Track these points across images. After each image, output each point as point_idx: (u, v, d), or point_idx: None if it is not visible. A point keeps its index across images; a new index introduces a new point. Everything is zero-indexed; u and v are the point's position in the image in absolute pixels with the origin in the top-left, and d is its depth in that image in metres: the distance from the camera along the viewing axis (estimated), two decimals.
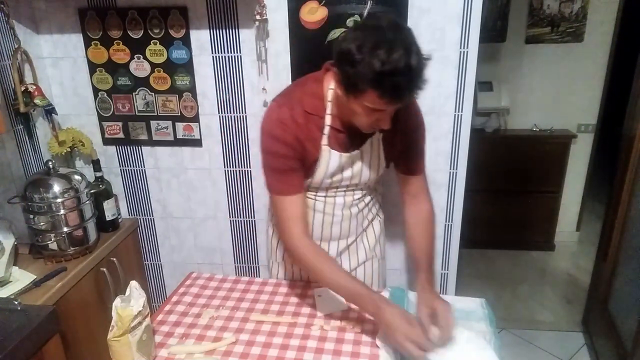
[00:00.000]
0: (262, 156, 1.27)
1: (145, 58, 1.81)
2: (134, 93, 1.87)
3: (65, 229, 1.65)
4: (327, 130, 1.24)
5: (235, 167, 1.94)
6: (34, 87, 1.72)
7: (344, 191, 1.38)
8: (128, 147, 1.97)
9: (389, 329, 1.10)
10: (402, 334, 1.07)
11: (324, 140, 1.25)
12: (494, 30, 3.14)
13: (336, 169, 1.29)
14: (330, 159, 1.26)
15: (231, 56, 1.77)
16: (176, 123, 1.90)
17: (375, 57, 0.97)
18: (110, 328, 1.08)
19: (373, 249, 1.55)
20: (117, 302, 1.09)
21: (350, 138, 1.27)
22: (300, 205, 1.26)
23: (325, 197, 1.38)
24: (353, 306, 1.34)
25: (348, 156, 1.27)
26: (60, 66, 1.87)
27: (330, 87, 1.21)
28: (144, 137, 1.93)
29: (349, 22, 1.65)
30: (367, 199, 1.46)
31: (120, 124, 1.93)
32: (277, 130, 1.21)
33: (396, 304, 1.16)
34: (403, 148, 1.35)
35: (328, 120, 1.24)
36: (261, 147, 1.26)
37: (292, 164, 1.23)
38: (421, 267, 1.30)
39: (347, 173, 1.32)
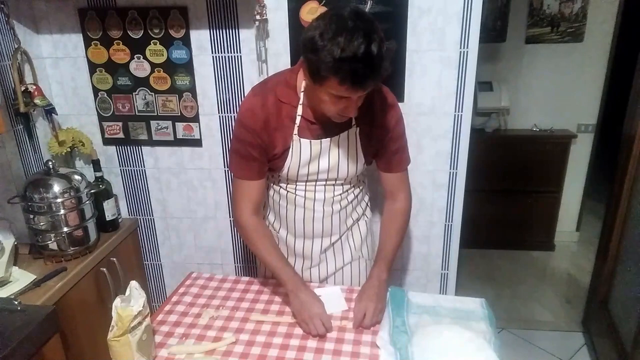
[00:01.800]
0: (232, 139, 1.35)
1: (145, 58, 1.81)
2: (134, 93, 1.87)
3: (65, 229, 1.65)
4: (298, 120, 1.27)
5: None
6: (34, 87, 1.72)
7: (324, 185, 1.39)
8: (128, 147, 1.97)
9: (302, 306, 1.27)
10: (315, 313, 1.25)
11: (295, 130, 1.27)
12: (494, 30, 3.14)
13: (308, 157, 1.31)
14: (301, 147, 1.29)
15: (231, 56, 1.77)
16: (176, 123, 1.90)
17: (336, 45, 1.01)
18: (110, 328, 1.08)
19: (359, 249, 1.54)
20: (117, 302, 1.09)
21: (324, 130, 1.30)
22: (256, 190, 1.35)
23: (304, 191, 1.39)
24: (353, 306, 1.34)
25: (318, 143, 1.29)
26: (60, 66, 1.87)
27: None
28: (144, 137, 1.93)
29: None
30: (350, 197, 1.46)
31: (120, 124, 1.93)
32: (245, 118, 1.27)
33: (310, 287, 1.33)
34: (381, 143, 1.37)
35: (300, 110, 1.27)
36: (233, 132, 1.34)
37: (254, 153, 1.29)
38: (379, 258, 1.41)
39: (323, 164, 1.33)
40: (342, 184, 1.42)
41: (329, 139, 1.30)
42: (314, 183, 1.38)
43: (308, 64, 1.10)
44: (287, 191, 1.41)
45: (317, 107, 1.22)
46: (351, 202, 1.47)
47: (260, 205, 1.40)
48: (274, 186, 1.43)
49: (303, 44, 1.10)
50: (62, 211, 1.64)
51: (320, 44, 1.03)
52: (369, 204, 1.59)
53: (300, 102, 1.26)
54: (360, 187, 1.51)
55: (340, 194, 1.42)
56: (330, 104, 1.14)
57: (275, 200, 1.45)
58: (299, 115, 1.27)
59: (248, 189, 1.34)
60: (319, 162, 1.33)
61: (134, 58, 1.81)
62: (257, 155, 1.29)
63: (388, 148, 1.38)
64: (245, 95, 1.33)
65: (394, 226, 1.45)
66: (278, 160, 1.32)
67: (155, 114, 1.89)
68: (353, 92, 1.09)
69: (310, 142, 1.29)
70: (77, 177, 1.72)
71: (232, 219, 2.02)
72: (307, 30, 1.08)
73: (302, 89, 1.25)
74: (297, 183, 1.39)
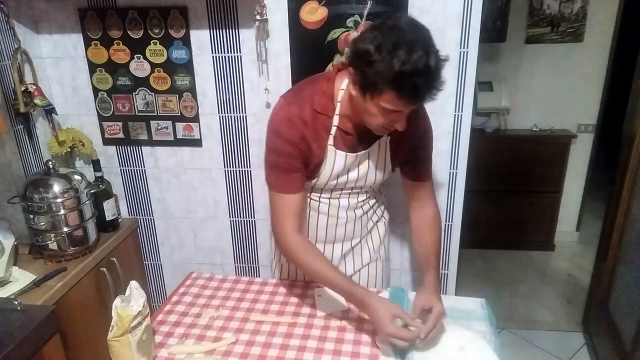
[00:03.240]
0: (266, 152, 1.27)
1: (145, 58, 1.81)
2: (134, 93, 1.87)
3: (65, 229, 1.65)
4: (334, 130, 1.23)
5: (235, 167, 1.94)
6: (34, 87, 1.72)
7: (349, 193, 1.38)
8: (128, 147, 1.97)
9: (376, 323, 1.15)
10: (388, 330, 1.11)
11: (330, 141, 1.24)
12: (494, 30, 3.14)
13: (342, 169, 1.28)
14: (335, 159, 1.26)
15: (231, 56, 1.77)
16: (176, 123, 1.90)
17: (395, 57, 0.97)
18: (110, 328, 1.08)
19: (377, 250, 1.54)
20: (117, 302, 1.09)
21: (358, 140, 1.26)
22: (298, 204, 1.26)
23: (329, 198, 1.37)
24: (353, 306, 1.34)
25: (354, 156, 1.26)
26: (60, 66, 1.87)
27: (342, 87, 1.20)
28: (144, 137, 1.93)
29: (349, 22, 1.65)
30: (372, 201, 1.46)
31: (120, 124, 1.93)
32: (283, 129, 1.20)
33: (380, 300, 1.17)
34: (410, 152, 1.33)
35: (336, 120, 1.23)
36: (266, 144, 1.26)
37: (295, 164, 1.23)
38: (430, 264, 1.30)
39: (353, 175, 1.31)
40: (365, 191, 1.41)
41: (363, 152, 1.27)
42: (339, 191, 1.36)
43: (361, 76, 1.05)
44: (311, 199, 1.38)
45: (361, 119, 1.17)
46: (372, 206, 1.47)
47: (303, 220, 1.32)
48: None
49: (355, 55, 1.06)
50: (62, 211, 1.64)
51: (377, 57, 0.99)
52: (386, 206, 1.58)
53: (337, 112, 1.22)
54: (381, 192, 1.51)
55: (364, 200, 1.42)
56: (379, 117, 1.10)
57: None
58: (334, 125, 1.23)
59: (291, 203, 1.25)
60: (348, 173, 1.30)
61: (134, 58, 1.81)
62: (299, 165, 1.23)
63: (417, 156, 1.35)
64: (276, 103, 1.27)
65: (433, 229, 1.38)
66: (311, 170, 1.27)
67: (155, 114, 1.89)
68: (410, 105, 1.07)
69: (346, 154, 1.25)
70: (77, 177, 1.72)
71: (235, 219, 2.03)
72: (360, 41, 1.04)
73: (339, 99, 1.21)
74: (323, 191, 1.36)
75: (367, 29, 1.06)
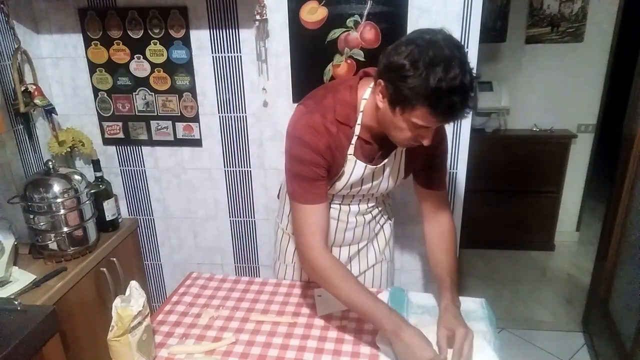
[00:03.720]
0: (289, 162, 1.22)
1: (145, 58, 1.81)
2: (134, 93, 1.87)
3: (65, 229, 1.65)
4: (354, 140, 1.21)
5: (235, 167, 1.94)
6: (34, 87, 1.72)
7: (359, 200, 1.38)
8: (128, 147, 1.97)
9: (407, 349, 1.08)
10: (420, 355, 1.06)
11: (351, 150, 1.21)
12: (494, 30, 3.14)
13: (358, 179, 1.26)
14: (354, 169, 1.23)
15: (231, 56, 1.77)
16: (176, 123, 1.90)
17: (432, 74, 0.95)
18: (110, 328, 1.08)
19: (383, 251, 1.54)
20: (117, 302, 1.09)
21: (379, 149, 1.25)
22: (324, 215, 1.22)
23: (340, 204, 1.37)
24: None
25: (373, 168, 1.25)
26: (60, 66, 1.87)
27: (364, 97, 1.18)
28: (144, 137, 1.93)
29: (349, 22, 1.65)
30: (381, 206, 1.47)
31: (120, 124, 1.93)
32: (308, 137, 1.16)
33: (414, 327, 1.12)
34: (426, 161, 1.31)
35: (357, 130, 1.20)
36: (289, 153, 1.21)
37: (320, 172, 1.19)
38: (445, 285, 1.26)
39: (367, 184, 1.30)
40: (376, 197, 1.40)
41: (382, 163, 1.25)
42: (351, 197, 1.36)
43: (394, 90, 1.03)
44: None
45: (386, 131, 1.14)
46: (380, 210, 1.47)
47: (328, 234, 1.26)
48: None
49: (389, 69, 1.03)
50: (62, 211, 1.64)
51: (413, 72, 0.97)
52: (392, 207, 1.59)
53: (358, 122, 1.19)
54: (389, 194, 1.52)
55: (373, 205, 1.42)
56: (407, 131, 1.08)
57: None
58: (356, 135, 1.20)
59: (316, 215, 1.20)
60: (362, 183, 1.29)
61: (134, 58, 1.81)
62: (323, 174, 1.19)
63: (432, 164, 1.33)
64: (296, 111, 1.23)
65: (450, 249, 1.33)
66: (330, 179, 1.25)
67: (155, 114, 1.89)
68: (442, 122, 1.06)
69: (366, 166, 1.23)
70: (77, 177, 1.72)
71: (235, 219, 2.03)
72: (394, 54, 1.01)
73: (362, 109, 1.18)
74: (335, 197, 1.35)
75: (401, 41, 1.03)
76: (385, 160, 1.25)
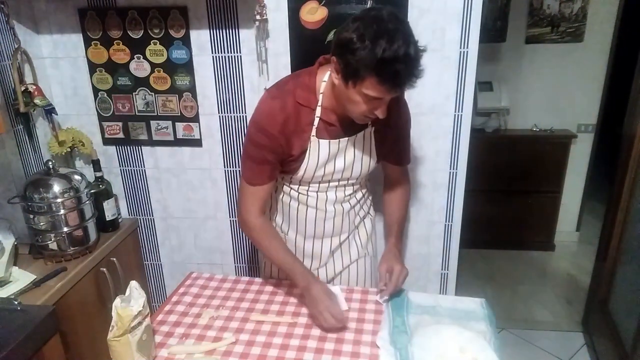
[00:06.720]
0: (245, 143, 1.33)
1: (145, 58, 1.81)
2: (134, 93, 1.87)
3: (65, 229, 1.65)
4: (316, 122, 1.27)
5: (235, 167, 1.94)
6: (34, 87, 1.72)
7: (335, 186, 1.41)
8: (128, 147, 1.97)
9: (313, 301, 1.26)
10: (325, 306, 1.24)
11: (313, 132, 1.28)
12: (494, 30, 3.14)
13: (327, 158, 1.31)
14: (319, 148, 1.29)
15: (231, 56, 1.77)
16: (176, 123, 1.90)
17: (377, 45, 1.02)
18: (110, 328, 1.08)
19: (365, 246, 1.56)
20: (117, 302, 1.09)
21: (342, 131, 1.31)
22: (266, 192, 1.35)
23: (317, 192, 1.40)
24: (353, 306, 1.35)
25: (337, 142, 1.30)
26: (60, 66, 1.87)
27: (324, 79, 1.25)
28: (144, 137, 1.93)
29: None
30: (358, 195, 1.49)
31: (120, 124, 1.93)
32: (263, 122, 1.26)
33: (323, 283, 1.34)
34: (394, 141, 1.40)
35: (318, 112, 1.27)
36: (246, 136, 1.33)
37: (268, 157, 1.28)
38: (392, 231, 1.48)
39: (340, 163, 1.34)
40: (352, 184, 1.43)
41: (346, 138, 1.31)
42: (327, 184, 1.39)
43: (344, 64, 1.10)
44: (299, 192, 1.41)
45: (344, 107, 1.21)
46: (359, 201, 1.49)
47: (266, 205, 1.41)
48: (285, 188, 1.43)
49: (339, 44, 1.10)
50: (62, 211, 1.64)
51: (360, 45, 1.04)
52: (372, 202, 1.60)
53: (319, 104, 1.26)
54: (367, 186, 1.54)
55: (350, 194, 1.44)
56: (361, 104, 1.15)
57: (285, 202, 1.44)
58: (317, 117, 1.27)
59: (257, 192, 1.34)
60: (335, 162, 1.34)
61: (134, 58, 1.81)
62: (271, 159, 1.29)
63: (399, 145, 1.44)
64: (261, 97, 1.31)
65: (401, 201, 1.52)
66: (294, 162, 1.31)
67: (155, 114, 1.89)
68: (391, 92, 1.11)
69: (329, 142, 1.29)
70: (77, 177, 1.72)
71: (235, 219, 2.03)
72: (343, 31, 1.09)
73: (322, 91, 1.26)
74: (310, 184, 1.39)
75: (349, 20, 1.11)
76: (351, 138, 1.32)
